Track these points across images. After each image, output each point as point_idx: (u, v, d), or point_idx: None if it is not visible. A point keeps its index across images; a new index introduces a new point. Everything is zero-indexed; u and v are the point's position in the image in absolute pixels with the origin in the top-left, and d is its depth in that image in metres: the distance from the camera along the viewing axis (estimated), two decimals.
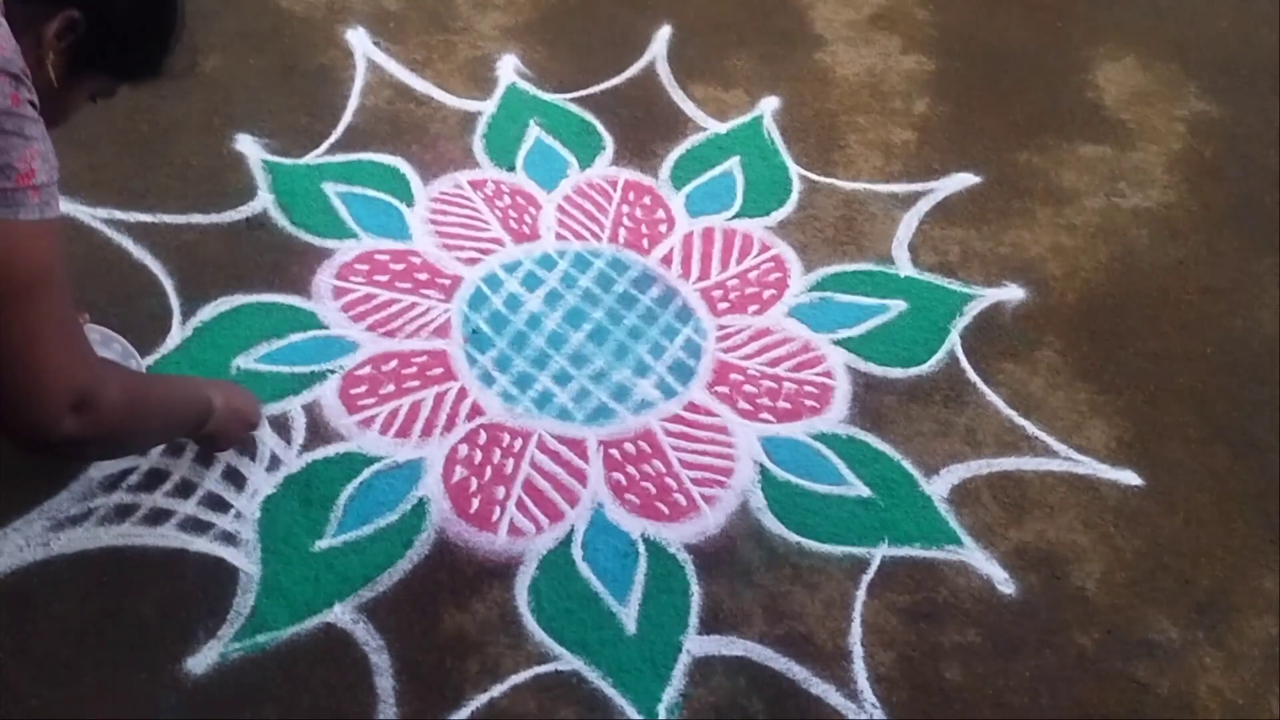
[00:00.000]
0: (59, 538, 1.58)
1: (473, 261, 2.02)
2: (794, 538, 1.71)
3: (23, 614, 1.50)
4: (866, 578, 1.68)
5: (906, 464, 1.82)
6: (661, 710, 1.50)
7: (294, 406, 1.76)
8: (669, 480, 1.75)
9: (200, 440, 1.62)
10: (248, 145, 2.16)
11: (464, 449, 1.74)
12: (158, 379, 1.65)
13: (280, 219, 2.04)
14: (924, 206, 2.27)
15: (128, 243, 1.96)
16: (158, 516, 1.62)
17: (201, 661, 1.48)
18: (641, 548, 1.66)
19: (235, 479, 1.67)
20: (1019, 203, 2.30)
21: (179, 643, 1.50)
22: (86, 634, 1.49)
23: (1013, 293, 2.12)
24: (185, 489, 1.65)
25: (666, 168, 2.27)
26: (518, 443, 1.76)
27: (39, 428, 1.17)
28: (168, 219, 2.00)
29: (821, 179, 2.29)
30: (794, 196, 2.25)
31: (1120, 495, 1.83)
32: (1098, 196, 2.34)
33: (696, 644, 1.58)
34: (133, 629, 1.51)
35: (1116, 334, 2.08)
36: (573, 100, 2.38)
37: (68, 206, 1.97)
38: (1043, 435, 1.90)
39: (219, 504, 1.64)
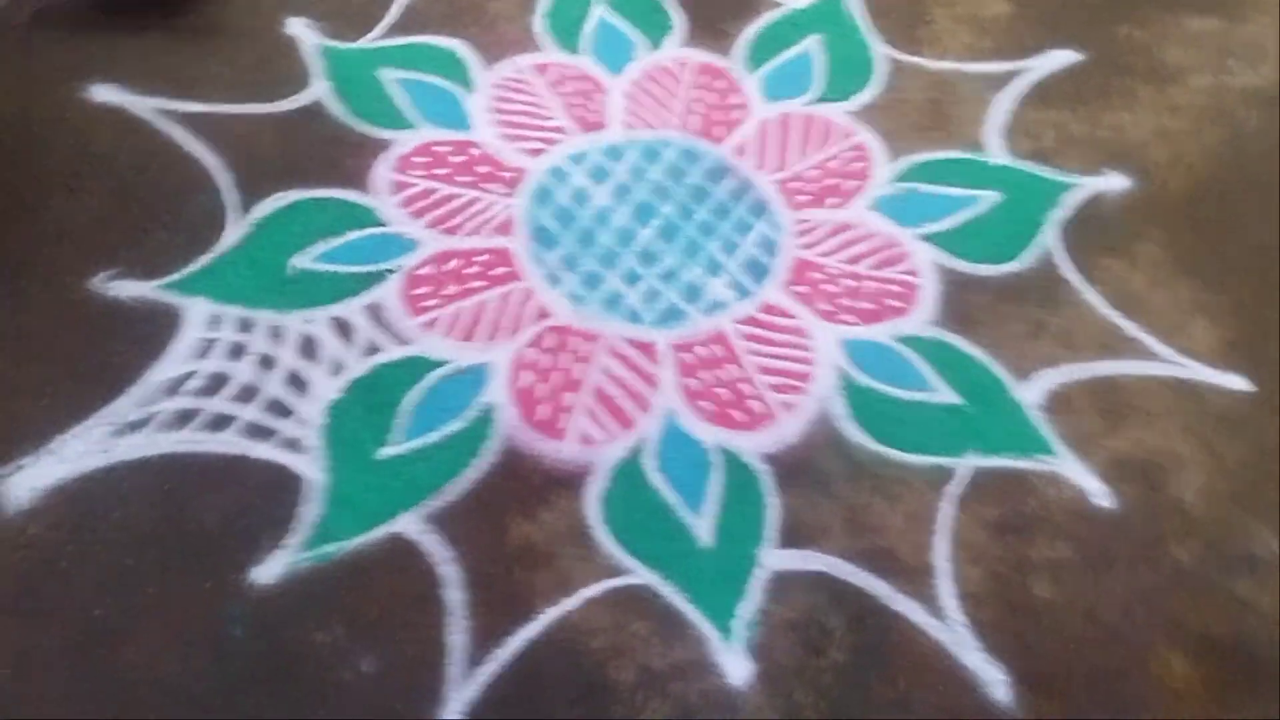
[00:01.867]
0: (120, 444, 1.55)
1: (536, 153, 1.92)
2: (876, 447, 1.63)
3: (85, 521, 1.48)
4: (953, 489, 1.60)
5: (997, 368, 1.72)
6: (737, 626, 1.45)
7: (355, 308, 1.70)
8: (744, 386, 1.67)
9: None
10: (300, 29, 2.06)
11: (531, 353, 1.67)
12: None
13: (336, 108, 1.95)
14: (1018, 87, 2.11)
15: (179, 133, 1.88)
16: (219, 422, 1.58)
17: (267, 571, 1.46)
18: (716, 458, 1.59)
19: (298, 384, 1.62)
20: (1120, 81, 2.13)
21: (243, 552, 1.47)
22: (149, 542, 1.47)
23: (1113, 181, 1.97)
24: (247, 393, 1.61)
25: (740, 48, 2.13)
26: (586, 346, 1.69)
27: None
28: (220, 109, 1.92)
29: (907, 58, 2.14)
30: (878, 78, 2.10)
31: (1225, 401, 1.72)
32: (1205, 74, 2.16)
33: (774, 558, 1.52)
34: (195, 537, 1.48)
35: (1223, 225, 1.94)
36: None
37: (116, 97, 1.90)
38: (1143, 336, 1.78)
39: (282, 409, 1.60)
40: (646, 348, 1.70)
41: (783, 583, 1.50)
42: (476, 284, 1.74)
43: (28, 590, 1.42)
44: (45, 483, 1.50)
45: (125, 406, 1.58)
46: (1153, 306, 1.81)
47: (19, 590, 1.42)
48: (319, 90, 1.97)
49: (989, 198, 1.92)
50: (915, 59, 2.14)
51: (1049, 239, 1.88)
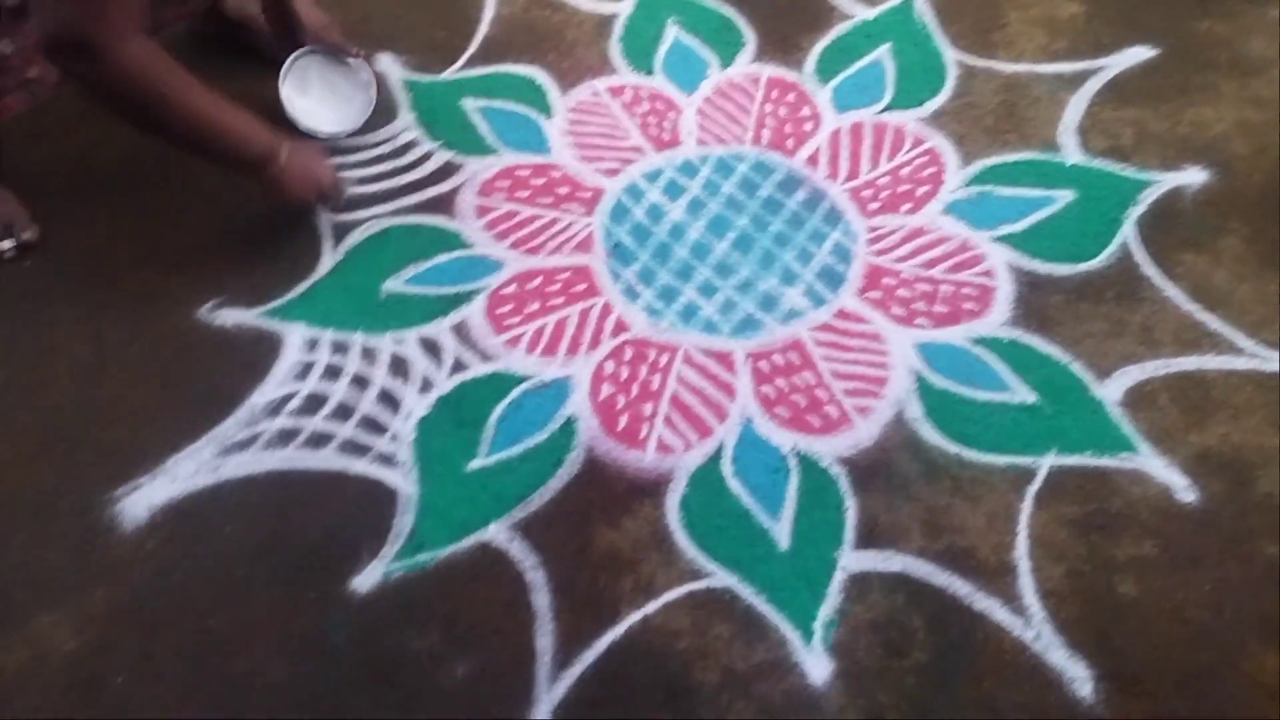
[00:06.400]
0: (228, 462, 1.64)
1: (613, 172, 1.98)
2: (954, 448, 1.64)
3: (199, 536, 1.57)
4: (1033, 489, 1.60)
5: (1076, 367, 1.72)
6: (817, 627, 1.48)
7: (443, 328, 1.77)
8: (820, 392, 1.70)
9: (263, 184, 1.78)
10: (388, 65, 2.16)
11: (610, 366, 1.73)
12: (214, 103, 1.68)
13: (423, 138, 2.04)
14: (1094, 86, 2.10)
15: None
16: (319, 440, 1.66)
17: (366, 580, 1.53)
18: (793, 462, 1.62)
19: (390, 402, 1.70)
20: (1200, 77, 2.11)
21: (344, 562, 1.55)
22: (257, 555, 1.56)
23: (1193, 176, 1.95)
24: (343, 412, 1.69)
25: (811, 61, 2.16)
26: (664, 358, 1.74)
27: (46, 47, 1.49)
28: (314, 143, 2.02)
29: (980, 62, 2.14)
30: (949, 84, 2.11)
31: None
32: None
33: (852, 559, 1.54)
34: (301, 550, 1.56)
35: None
36: None
37: None
38: (1227, 331, 1.76)
39: (376, 427, 1.68)
40: (723, 357, 1.74)
41: (862, 584, 1.52)
42: (557, 301, 1.80)
43: (146, 602, 1.52)
44: (160, 501, 1.60)
45: (232, 427, 1.68)
46: (1237, 300, 1.79)
47: (137, 602, 1.52)
48: (406, 121, 2.06)
49: (1064, 197, 1.92)
50: (988, 63, 2.14)
51: (1127, 236, 1.87)
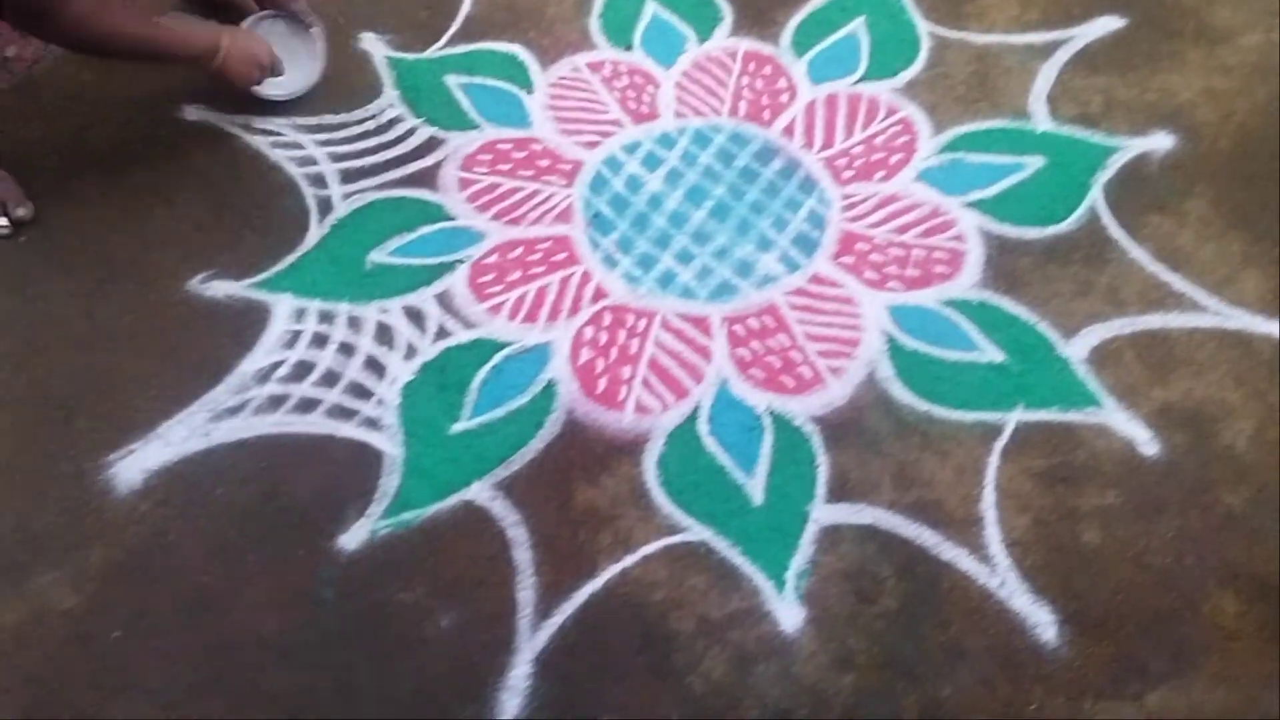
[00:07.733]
0: (219, 427, 1.69)
1: (592, 145, 2.03)
2: (924, 406, 1.69)
3: (191, 498, 1.62)
4: (1000, 443, 1.65)
5: (1043, 326, 1.77)
6: (790, 577, 1.53)
7: (427, 297, 1.82)
8: (794, 354, 1.74)
9: (212, 75, 1.92)
10: (371, 43, 2.20)
11: (589, 331, 1.78)
12: (154, 25, 1.85)
13: (406, 114, 2.08)
14: (1064, 55, 2.14)
15: (264, 146, 2.03)
16: (307, 405, 1.71)
17: (353, 538, 1.58)
18: (767, 421, 1.67)
19: (376, 368, 1.75)
20: (1168, 45, 2.15)
21: (332, 522, 1.60)
22: (248, 515, 1.61)
23: (1160, 141, 2.00)
24: (331, 379, 1.74)
25: (787, 35, 2.20)
26: (642, 323, 1.78)
27: (6, 12, 1.63)
28: (300, 120, 2.07)
29: (952, 34, 2.19)
30: (923, 55, 2.16)
31: (1274, 350, 1.73)
32: (1255, 32, 2.16)
33: (824, 513, 1.59)
34: (290, 510, 1.61)
35: (1275, 179, 1.94)
36: None
37: (204, 114, 2.06)
38: (1191, 290, 1.80)
39: (362, 392, 1.72)
40: (700, 322, 1.78)
41: (833, 535, 1.57)
42: (538, 269, 1.85)
43: (141, 561, 1.57)
44: (153, 464, 1.65)
45: (222, 394, 1.72)
46: (1201, 260, 1.84)
47: (133, 561, 1.57)
48: (390, 99, 2.11)
49: (1034, 163, 1.96)
50: (961, 34, 2.18)
51: (1095, 200, 1.91)
